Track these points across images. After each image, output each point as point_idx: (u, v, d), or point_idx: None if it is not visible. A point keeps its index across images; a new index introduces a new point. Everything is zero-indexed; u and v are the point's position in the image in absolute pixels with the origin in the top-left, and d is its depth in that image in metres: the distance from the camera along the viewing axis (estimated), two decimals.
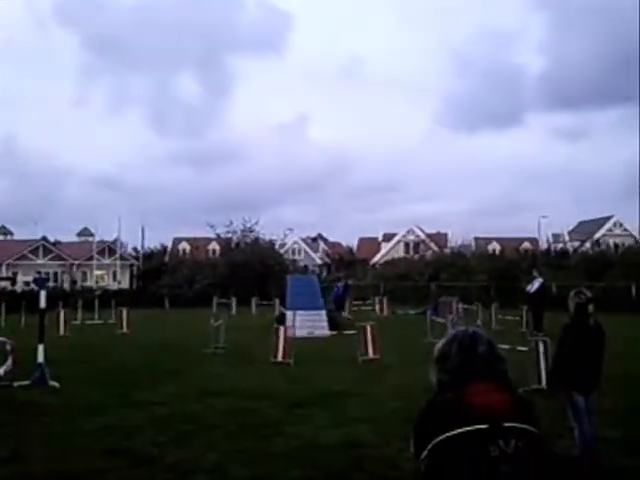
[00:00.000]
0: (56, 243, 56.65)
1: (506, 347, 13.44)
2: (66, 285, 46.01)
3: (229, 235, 41.23)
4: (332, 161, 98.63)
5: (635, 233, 46.97)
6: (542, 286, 19.97)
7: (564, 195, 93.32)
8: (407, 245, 58.78)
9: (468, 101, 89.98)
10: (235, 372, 12.98)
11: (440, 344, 2.45)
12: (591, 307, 6.47)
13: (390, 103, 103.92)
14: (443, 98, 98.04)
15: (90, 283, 47.83)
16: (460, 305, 24.36)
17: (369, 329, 14.56)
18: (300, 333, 17.28)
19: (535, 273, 20.58)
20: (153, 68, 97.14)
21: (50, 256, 51.32)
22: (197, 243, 55.97)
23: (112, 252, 52.15)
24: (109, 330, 22.29)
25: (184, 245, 61.95)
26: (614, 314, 21.95)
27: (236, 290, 31.76)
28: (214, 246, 53.15)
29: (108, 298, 32.32)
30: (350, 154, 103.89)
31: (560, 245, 46.23)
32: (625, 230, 52.83)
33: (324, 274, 48.52)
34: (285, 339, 14.31)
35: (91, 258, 49.40)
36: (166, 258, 50.79)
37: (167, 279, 39.17)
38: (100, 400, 10.08)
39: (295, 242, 62.98)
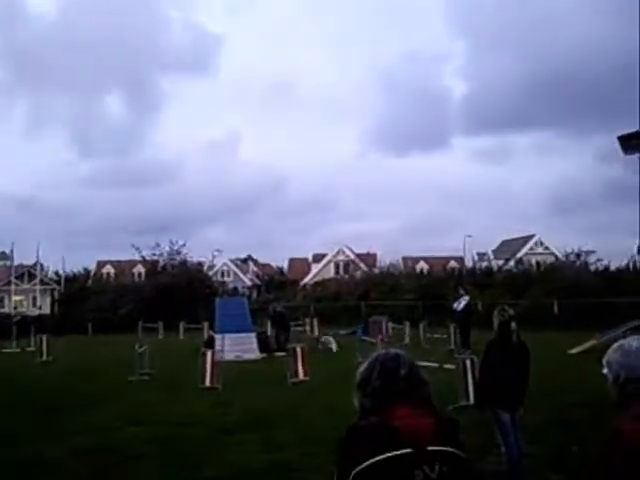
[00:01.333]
0: None
1: (434, 365, 13.67)
2: None
3: (155, 257, 40.20)
4: (263, 180, 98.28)
5: (556, 251, 48.76)
6: (468, 304, 20.36)
7: (488, 215, 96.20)
8: (337, 265, 59.03)
9: (397, 122, 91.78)
10: (161, 399, 12.55)
11: (362, 368, 2.40)
12: (514, 325, 6.57)
13: (321, 123, 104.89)
14: (373, 118, 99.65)
15: (7, 309, 45.70)
16: (389, 324, 24.55)
17: (299, 351, 14.42)
18: (229, 357, 16.93)
19: (461, 291, 20.97)
20: (76, 87, 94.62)
21: None
22: (122, 266, 54.44)
23: (32, 276, 50.08)
24: (28, 358, 21.23)
25: (108, 268, 60.14)
26: (537, 331, 22.65)
27: (163, 314, 30.94)
28: (139, 269, 51.87)
29: (27, 324, 30.89)
30: (281, 173, 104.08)
31: (485, 264, 47.47)
32: (546, 248, 54.77)
33: (254, 296, 48.08)
34: (213, 363, 13.98)
35: (9, 283, 47.31)
36: (89, 282, 49.13)
37: (90, 304, 37.82)
38: (13, 431, 9.50)
39: (224, 264, 62.18)
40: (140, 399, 12.53)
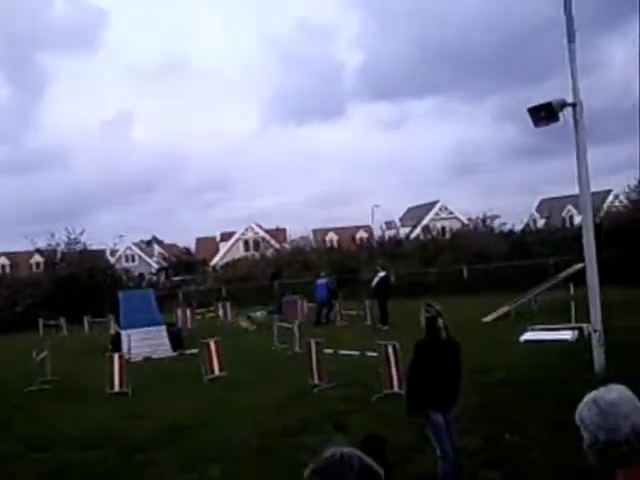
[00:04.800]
0: None
1: (356, 353, 13.31)
2: None
3: (52, 247, 37.79)
4: (162, 159, 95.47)
5: (460, 216, 49.94)
6: (383, 279, 20.27)
7: (392, 182, 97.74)
8: (247, 243, 58.12)
9: (294, 94, 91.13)
10: (65, 412, 11.45)
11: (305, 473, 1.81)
12: (441, 321, 6.14)
13: (218, 99, 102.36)
14: (269, 92, 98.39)
15: None
16: (305, 304, 24.14)
17: (213, 345, 13.67)
18: (137, 357, 15.92)
19: (377, 267, 20.96)
20: None
21: None
22: (18, 258, 51.25)
23: None
24: None
25: (3, 260, 56.64)
26: (449, 298, 22.91)
27: (64, 308, 29.11)
28: (37, 259, 48.93)
29: None
30: (181, 152, 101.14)
31: (393, 232, 47.94)
32: (450, 213, 56.09)
33: (162, 279, 46.48)
34: (120, 366, 13.01)
35: None
36: None
37: None
38: None
39: (128, 248, 59.93)
40: (41, 415, 11.42)
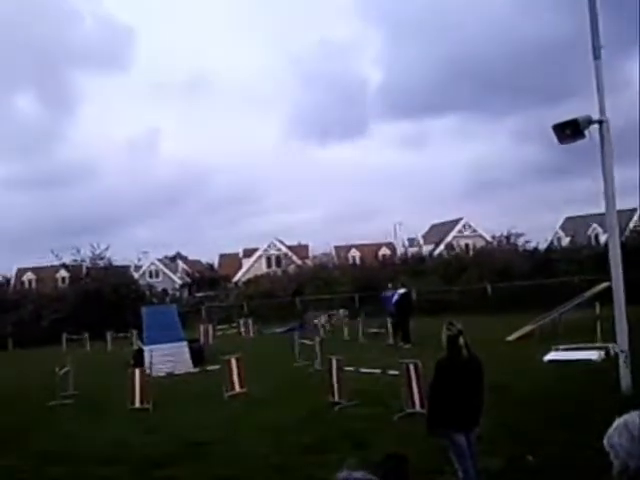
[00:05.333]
0: None
1: (377, 372, 13.18)
2: None
3: (77, 263, 38.26)
4: (186, 175, 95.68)
5: (484, 233, 49.54)
6: (406, 297, 20.14)
7: (413, 200, 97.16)
8: (269, 259, 58.20)
9: (316, 110, 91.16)
10: (85, 427, 11.50)
11: None
12: (462, 339, 6.04)
13: (241, 115, 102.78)
14: (291, 109, 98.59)
15: None
16: (327, 320, 24.09)
17: (234, 362, 13.65)
18: (159, 372, 15.93)
19: (398, 284, 20.83)
20: None
21: None
22: (43, 272, 51.81)
23: None
24: None
25: (29, 275, 57.32)
26: (472, 316, 22.64)
27: (88, 323, 29.37)
28: (63, 274, 49.46)
29: None
30: (204, 168, 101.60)
31: (416, 249, 47.72)
32: (474, 231, 55.66)
33: (185, 296, 46.69)
34: (142, 382, 13.04)
35: None
36: (9, 292, 46.40)
37: (10, 316, 35.59)
38: None
39: (152, 263, 60.35)
40: (61, 430, 11.45)
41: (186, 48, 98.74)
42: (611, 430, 2.10)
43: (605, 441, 2.11)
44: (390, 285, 20.96)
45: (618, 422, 2.10)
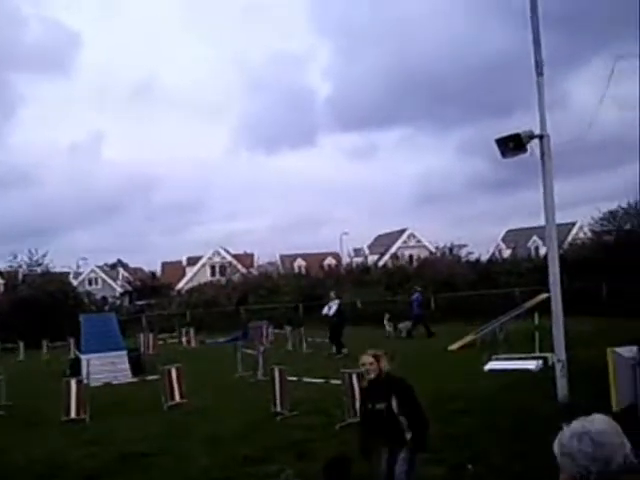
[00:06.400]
0: None
1: (320, 381, 13.12)
2: None
3: (13, 269, 36.94)
4: (130, 182, 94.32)
5: (428, 244, 50.18)
6: (339, 308, 20.29)
7: (360, 211, 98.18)
8: (213, 268, 57.55)
9: (265, 121, 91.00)
10: (18, 441, 10.99)
11: None
12: (384, 363, 6.15)
13: (189, 123, 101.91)
14: (240, 118, 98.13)
15: None
16: (270, 329, 23.89)
17: (174, 372, 13.36)
18: (97, 382, 15.48)
19: (332, 295, 20.98)
20: None
21: None
22: None
23: None
24: None
25: None
26: (415, 325, 22.90)
27: (23, 331, 28.33)
28: None
29: None
30: (149, 175, 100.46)
31: (361, 259, 48.01)
32: (419, 242, 56.36)
33: (126, 303, 45.66)
34: (78, 391, 12.60)
35: None
36: None
37: None
38: None
39: (92, 270, 58.91)
40: None
41: (133, 54, 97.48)
42: (566, 437, 2.07)
43: (557, 448, 2.08)
44: (332, 294, 21.03)
45: (573, 429, 2.07)
